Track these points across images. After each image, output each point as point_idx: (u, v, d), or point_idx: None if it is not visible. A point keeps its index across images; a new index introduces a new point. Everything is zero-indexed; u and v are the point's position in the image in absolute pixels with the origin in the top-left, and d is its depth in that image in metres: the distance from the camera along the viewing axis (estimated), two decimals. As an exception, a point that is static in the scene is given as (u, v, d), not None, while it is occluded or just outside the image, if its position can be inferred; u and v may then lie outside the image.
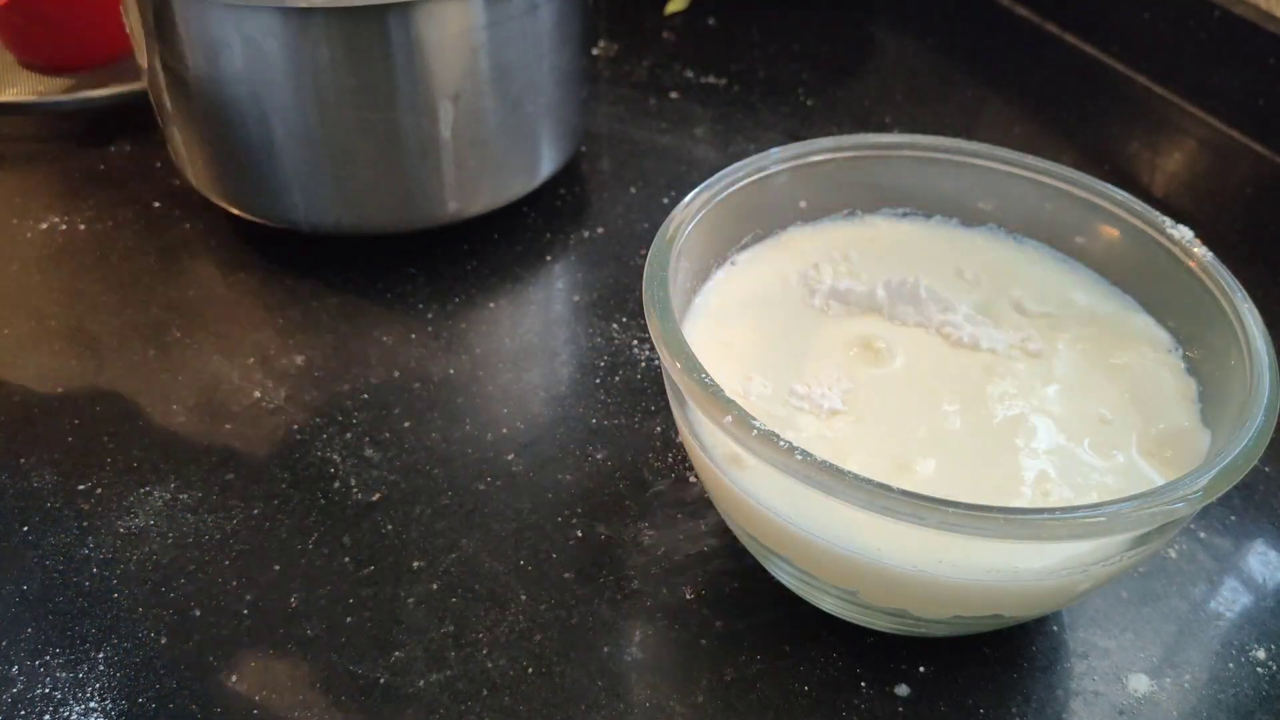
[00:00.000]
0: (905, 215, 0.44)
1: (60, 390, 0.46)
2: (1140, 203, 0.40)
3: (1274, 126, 0.63)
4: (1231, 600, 0.39)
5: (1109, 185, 0.41)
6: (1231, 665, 0.37)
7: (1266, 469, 0.44)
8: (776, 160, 0.41)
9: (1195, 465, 0.31)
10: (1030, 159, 0.42)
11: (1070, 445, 0.35)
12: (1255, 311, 0.35)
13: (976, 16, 0.80)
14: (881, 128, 0.67)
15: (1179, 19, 0.67)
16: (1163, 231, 0.39)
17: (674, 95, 0.69)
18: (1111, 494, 0.34)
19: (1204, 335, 0.37)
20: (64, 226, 0.56)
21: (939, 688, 0.36)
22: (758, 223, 0.42)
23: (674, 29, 0.76)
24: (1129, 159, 0.65)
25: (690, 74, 0.71)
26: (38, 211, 0.57)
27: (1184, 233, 0.38)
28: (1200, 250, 0.38)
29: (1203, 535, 0.42)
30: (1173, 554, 0.41)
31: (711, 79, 0.71)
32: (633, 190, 0.60)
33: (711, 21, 0.78)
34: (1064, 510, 0.29)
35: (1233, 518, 0.42)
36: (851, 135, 0.42)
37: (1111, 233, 0.41)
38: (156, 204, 0.57)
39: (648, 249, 0.37)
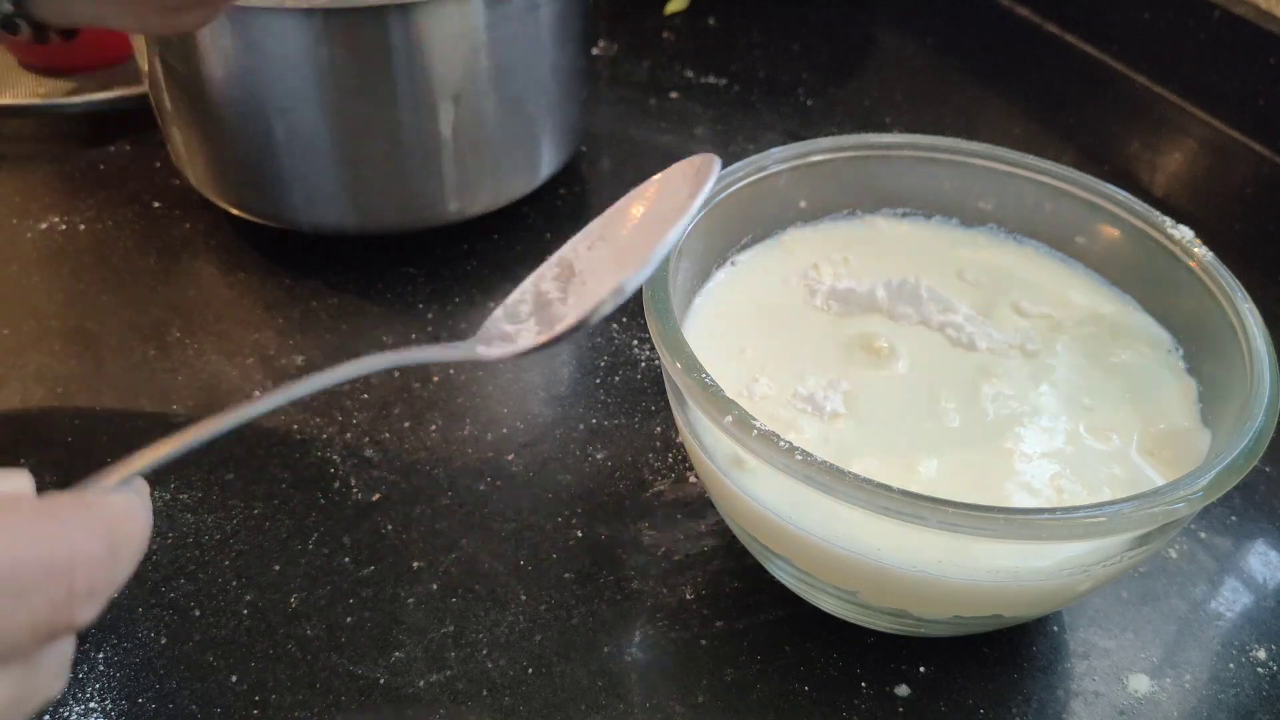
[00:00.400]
0: (905, 215, 0.44)
1: (60, 390, 0.46)
2: (1140, 203, 0.40)
3: (1274, 126, 0.63)
4: (1232, 600, 0.39)
5: (1109, 185, 0.41)
6: (1232, 665, 0.37)
7: (1267, 469, 0.44)
8: (776, 160, 0.41)
9: (1196, 465, 0.31)
10: (1030, 159, 0.42)
11: (1071, 446, 0.35)
12: (1255, 311, 0.35)
13: (977, 17, 0.80)
14: (881, 128, 0.67)
15: (1179, 19, 0.67)
16: (1163, 231, 0.39)
17: (674, 95, 0.69)
18: (1120, 491, 0.34)
19: (1204, 335, 0.37)
20: (64, 226, 0.56)
21: (939, 688, 0.36)
22: (758, 223, 0.42)
23: (674, 29, 0.76)
24: (1129, 159, 0.65)
25: (690, 74, 0.71)
26: (37, 211, 0.56)
27: (1184, 233, 0.38)
28: (1200, 250, 0.38)
29: (1203, 535, 0.42)
30: (1173, 554, 0.41)
31: (711, 79, 0.71)
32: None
33: (712, 21, 0.78)
34: (1064, 510, 0.29)
35: (1233, 518, 0.42)
36: (851, 135, 0.42)
37: (1112, 233, 0.41)
38: (156, 204, 0.57)
39: (648, 249, 0.36)
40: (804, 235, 0.43)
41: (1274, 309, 0.38)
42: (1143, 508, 0.29)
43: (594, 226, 0.33)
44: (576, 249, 0.33)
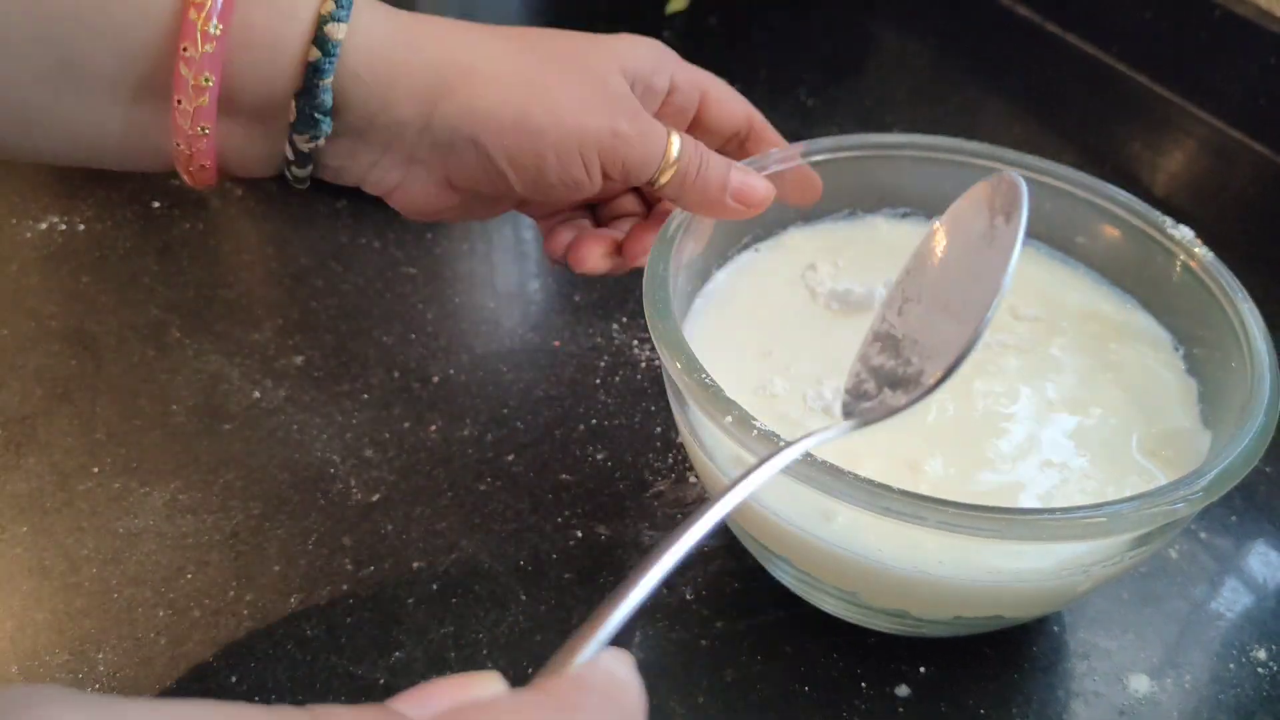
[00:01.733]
0: (906, 215, 0.44)
1: (60, 390, 0.46)
2: (1141, 203, 0.40)
3: (1275, 126, 0.63)
4: (1232, 601, 0.39)
5: (1110, 185, 0.41)
6: (1232, 666, 0.37)
7: (1267, 469, 0.44)
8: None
9: (1196, 466, 0.31)
10: (1031, 159, 0.41)
11: (1073, 446, 0.35)
12: (1256, 312, 0.35)
13: (977, 16, 0.79)
14: (882, 127, 0.67)
15: (1180, 18, 0.67)
16: (1163, 231, 0.39)
17: (674, 95, 0.69)
18: (1121, 492, 0.34)
19: (1205, 335, 0.37)
20: (63, 226, 0.56)
21: (939, 688, 0.36)
22: (758, 222, 0.42)
23: (675, 29, 0.76)
24: (1129, 159, 0.65)
25: (690, 74, 0.71)
26: (37, 211, 0.56)
27: (1185, 233, 0.38)
28: (1201, 250, 0.38)
29: (1203, 536, 0.41)
30: (1173, 554, 0.41)
31: (712, 79, 0.70)
32: (633, 190, 0.60)
33: (712, 21, 0.77)
34: (1064, 511, 0.29)
35: (1233, 518, 0.42)
36: (852, 135, 0.42)
37: (1112, 233, 0.41)
38: (156, 204, 0.57)
39: (648, 249, 0.36)
40: (804, 235, 0.43)
41: (1275, 309, 0.38)
42: (1143, 508, 0.29)
43: (893, 293, 0.32)
44: (886, 319, 0.32)
